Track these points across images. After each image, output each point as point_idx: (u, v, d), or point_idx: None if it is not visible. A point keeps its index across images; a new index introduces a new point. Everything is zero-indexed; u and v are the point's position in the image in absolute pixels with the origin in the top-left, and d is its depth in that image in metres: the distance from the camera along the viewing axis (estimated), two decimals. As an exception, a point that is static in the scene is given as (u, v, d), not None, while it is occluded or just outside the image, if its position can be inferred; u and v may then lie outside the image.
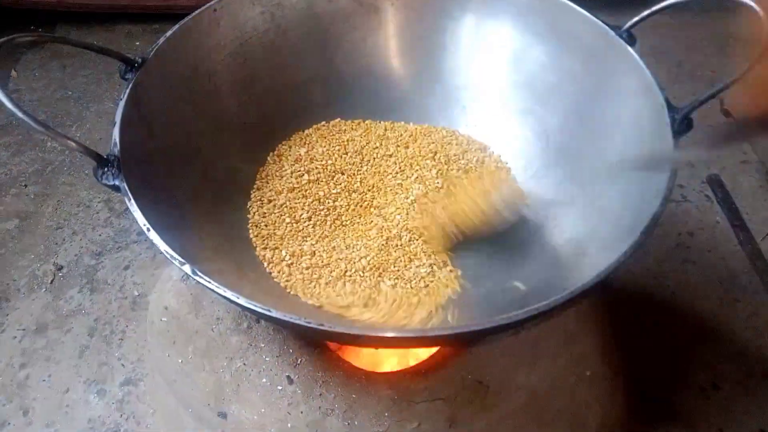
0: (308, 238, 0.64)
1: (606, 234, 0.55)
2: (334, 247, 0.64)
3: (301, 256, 0.63)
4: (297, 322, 0.41)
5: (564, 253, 0.59)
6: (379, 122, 0.77)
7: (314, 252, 0.63)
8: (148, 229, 0.46)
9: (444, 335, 0.40)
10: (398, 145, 0.73)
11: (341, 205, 0.67)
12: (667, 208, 0.95)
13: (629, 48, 0.59)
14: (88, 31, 1.35)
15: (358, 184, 0.69)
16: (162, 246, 0.45)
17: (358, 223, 0.66)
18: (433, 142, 0.73)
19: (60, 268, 0.89)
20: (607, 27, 0.61)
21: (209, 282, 0.43)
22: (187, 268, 0.44)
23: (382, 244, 0.63)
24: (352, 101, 0.76)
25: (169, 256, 0.45)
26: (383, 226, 0.65)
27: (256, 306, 0.42)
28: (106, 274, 0.87)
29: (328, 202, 0.67)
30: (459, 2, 0.72)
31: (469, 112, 0.75)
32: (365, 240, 0.64)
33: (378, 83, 0.77)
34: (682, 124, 0.52)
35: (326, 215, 0.66)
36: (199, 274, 0.44)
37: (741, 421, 0.71)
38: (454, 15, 0.73)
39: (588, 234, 0.58)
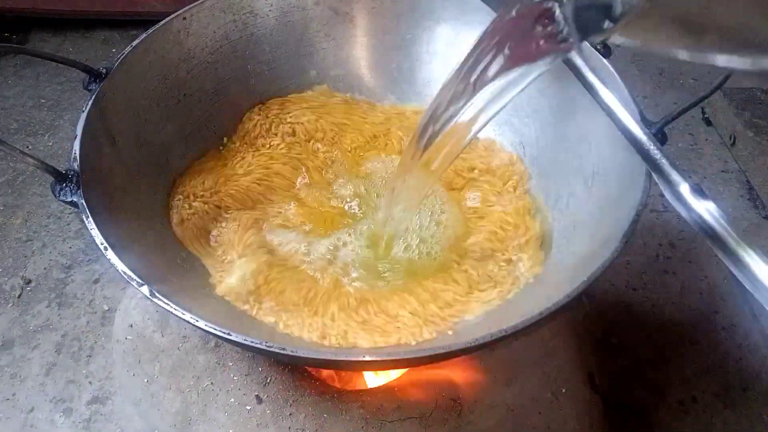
0: (287, 259, 0.61)
1: (581, 249, 0.54)
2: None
3: (275, 280, 0.59)
4: (257, 345, 0.40)
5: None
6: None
7: (289, 277, 0.59)
8: (106, 249, 0.44)
9: (402, 359, 0.39)
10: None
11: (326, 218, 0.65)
12: (648, 219, 0.96)
13: (604, 60, 0.58)
14: (63, 37, 1.33)
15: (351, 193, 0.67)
16: (120, 266, 0.44)
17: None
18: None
19: (28, 282, 0.86)
20: (581, 38, 0.59)
21: (168, 304, 0.42)
22: (145, 290, 0.43)
23: None
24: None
25: (126, 277, 0.43)
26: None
27: (215, 329, 0.40)
28: (75, 288, 0.85)
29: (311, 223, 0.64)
30: (434, 13, 0.71)
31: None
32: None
33: (352, 92, 0.75)
34: (656, 138, 0.51)
35: (309, 231, 0.63)
36: (158, 295, 0.42)
37: (720, 434, 0.71)
38: (428, 25, 0.72)
39: (562, 249, 0.57)
